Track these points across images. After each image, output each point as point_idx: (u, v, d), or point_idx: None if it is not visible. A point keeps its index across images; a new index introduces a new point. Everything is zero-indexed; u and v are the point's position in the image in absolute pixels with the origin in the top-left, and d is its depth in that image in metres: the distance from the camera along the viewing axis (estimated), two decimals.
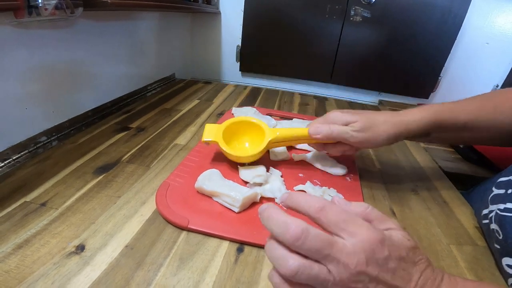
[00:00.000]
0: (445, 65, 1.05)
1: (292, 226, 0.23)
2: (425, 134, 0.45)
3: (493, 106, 0.45)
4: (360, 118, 0.44)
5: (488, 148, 0.65)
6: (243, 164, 0.49)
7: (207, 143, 0.49)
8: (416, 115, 0.44)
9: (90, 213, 0.38)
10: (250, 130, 0.52)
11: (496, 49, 1.02)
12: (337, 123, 0.45)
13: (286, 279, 0.24)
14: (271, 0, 1.04)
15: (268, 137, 0.48)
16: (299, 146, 0.58)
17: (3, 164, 0.46)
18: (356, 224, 0.24)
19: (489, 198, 0.41)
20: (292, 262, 0.22)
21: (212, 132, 0.49)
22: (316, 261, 0.23)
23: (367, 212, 0.26)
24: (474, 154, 0.66)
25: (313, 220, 0.24)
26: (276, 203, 0.41)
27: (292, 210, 0.26)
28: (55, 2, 0.44)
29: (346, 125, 0.44)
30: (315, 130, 0.45)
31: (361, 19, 1.02)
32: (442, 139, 0.49)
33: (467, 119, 0.44)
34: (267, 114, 0.73)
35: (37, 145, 0.53)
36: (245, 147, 0.53)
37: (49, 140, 0.55)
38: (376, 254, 0.23)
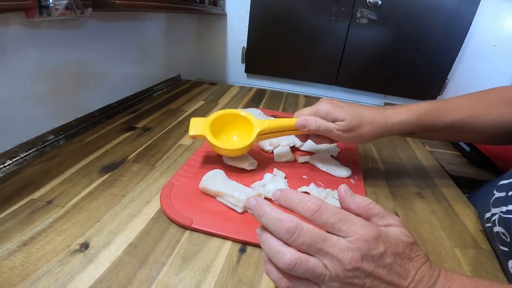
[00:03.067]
0: (452, 67, 1.04)
1: (286, 221, 0.24)
2: (408, 133, 0.47)
3: (483, 105, 0.45)
4: (347, 116, 0.44)
5: (494, 152, 0.64)
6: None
7: (194, 137, 0.47)
8: (401, 116, 0.45)
9: (95, 212, 0.38)
10: (238, 123, 0.51)
11: (504, 52, 1.01)
12: (325, 118, 0.45)
13: (284, 273, 0.24)
14: (277, 2, 1.05)
15: (256, 129, 0.47)
16: (303, 148, 0.58)
17: (11, 161, 0.47)
18: (351, 222, 0.24)
19: (491, 201, 0.41)
20: (290, 255, 0.23)
21: (198, 126, 0.47)
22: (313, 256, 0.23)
23: (369, 207, 0.26)
24: (479, 157, 0.65)
25: (309, 221, 0.25)
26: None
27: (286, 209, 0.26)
28: (65, 2, 0.45)
29: (333, 121, 0.45)
30: (302, 123, 0.46)
31: (367, 21, 1.02)
32: (426, 137, 0.51)
33: (453, 119, 0.45)
34: (271, 116, 0.73)
35: (45, 144, 0.53)
36: (233, 141, 0.51)
37: (56, 138, 0.56)
38: (371, 250, 0.23)
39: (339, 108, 0.45)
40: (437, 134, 0.48)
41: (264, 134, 0.48)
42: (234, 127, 0.51)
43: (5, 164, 0.46)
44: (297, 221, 0.24)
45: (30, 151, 0.50)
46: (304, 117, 0.46)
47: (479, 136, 0.48)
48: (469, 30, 0.98)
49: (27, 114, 0.50)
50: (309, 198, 0.25)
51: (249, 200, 0.27)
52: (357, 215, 0.26)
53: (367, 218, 0.26)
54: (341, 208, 0.27)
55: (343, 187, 0.27)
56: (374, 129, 0.44)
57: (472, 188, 0.56)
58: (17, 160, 0.48)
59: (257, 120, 0.49)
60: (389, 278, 0.23)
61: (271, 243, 0.24)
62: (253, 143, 0.47)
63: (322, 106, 0.46)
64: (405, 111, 0.45)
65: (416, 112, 0.44)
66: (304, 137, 0.50)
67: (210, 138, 0.46)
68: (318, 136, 0.48)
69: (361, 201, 0.27)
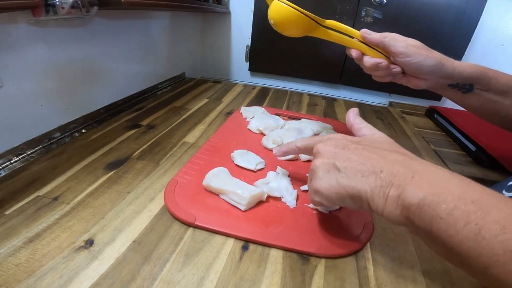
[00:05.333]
0: None
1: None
2: (468, 85, 0.46)
3: None
4: (415, 42, 0.46)
5: (500, 152, 0.63)
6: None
7: None
8: (463, 63, 0.45)
9: (100, 208, 0.38)
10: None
11: (511, 51, 0.99)
12: (389, 44, 0.46)
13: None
14: None
15: (322, 22, 0.47)
16: None
17: (17, 158, 0.48)
18: (331, 137, 0.35)
19: None
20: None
21: None
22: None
23: (360, 126, 0.38)
24: (485, 157, 0.64)
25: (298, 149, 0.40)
26: (282, 201, 0.42)
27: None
28: (71, 0, 0.46)
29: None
30: (368, 30, 0.47)
31: (372, 20, 1.01)
32: (480, 101, 0.48)
33: (508, 86, 0.45)
34: (275, 114, 0.73)
35: (51, 141, 0.54)
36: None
37: (62, 136, 0.56)
38: (338, 143, 0.33)
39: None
40: (493, 98, 0.46)
41: (328, 28, 0.48)
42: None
43: (11, 161, 0.47)
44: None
45: (36, 148, 0.51)
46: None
47: None
48: (476, 29, 0.96)
49: (33, 111, 0.51)
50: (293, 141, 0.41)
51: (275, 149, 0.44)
52: (350, 127, 0.39)
53: (357, 131, 0.37)
54: (347, 127, 0.40)
55: (353, 110, 0.40)
56: (441, 58, 0.45)
57: None
58: (23, 157, 0.48)
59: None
60: (359, 154, 0.30)
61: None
62: (313, 23, 0.46)
63: (386, 33, 0.47)
64: (464, 62, 0.45)
65: (477, 66, 0.45)
66: (358, 55, 0.50)
67: None
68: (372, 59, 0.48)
69: (357, 121, 0.38)
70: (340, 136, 0.34)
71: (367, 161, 0.29)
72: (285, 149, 0.43)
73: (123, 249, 0.33)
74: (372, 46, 0.48)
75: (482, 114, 0.50)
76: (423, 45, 0.45)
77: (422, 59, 0.44)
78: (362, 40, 0.48)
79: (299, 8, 0.45)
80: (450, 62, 0.45)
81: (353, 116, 0.39)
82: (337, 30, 0.48)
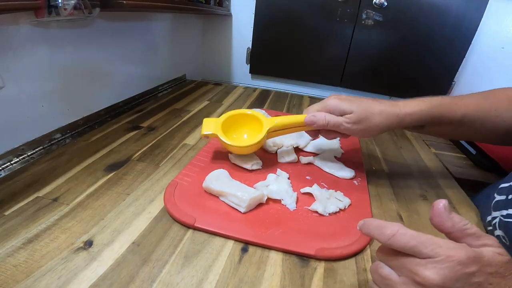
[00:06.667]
0: (459, 69, 1.03)
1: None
2: (419, 126, 0.46)
3: (490, 103, 0.44)
4: (356, 109, 0.43)
5: (500, 154, 0.63)
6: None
7: (207, 136, 0.49)
8: (413, 107, 0.44)
9: (99, 210, 0.38)
10: (248, 121, 0.52)
11: None
12: (334, 113, 0.45)
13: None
14: (282, 3, 1.05)
15: (266, 126, 0.48)
16: (306, 149, 0.58)
17: (18, 159, 0.48)
18: (436, 244, 0.23)
19: (492, 204, 0.41)
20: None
21: (210, 126, 0.49)
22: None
23: (465, 227, 0.25)
24: (485, 160, 0.64)
25: (387, 246, 0.25)
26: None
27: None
28: (74, 2, 0.46)
29: (342, 115, 0.44)
30: (311, 120, 0.45)
31: (372, 23, 1.01)
32: (436, 133, 0.49)
33: (464, 113, 0.44)
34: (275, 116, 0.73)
35: (52, 142, 0.54)
36: (244, 139, 0.52)
37: (63, 137, 0.56)
38: (458, 272, 0.22)
39: (347, 101, 0.45)
40: (448, 129, 0.47)
41: (273, 131, 0.49)
42: (244, 126, 0.52)
43: (12, 162, 0.47)
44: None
45: (37, 149, 0.51)
46: (313, 113, 0.46)
47: (488, 134, 0.47)
48: (477, 32, 0.97)
49: (34, 112, 0.51)
50: (387, 223, 0.25)
51: (359, 222, 0.29)
52: (448, 234, 0.25)
53: (458, 238, 0.25)
54: (433, 222, 0.26)
55: (442, 202, 0.25)
56: (384, 120, 0.43)
57: (477, 191, 0.56)
58: (24, 158, 0.49)
59: (266, 118, 0.49)
60: None
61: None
62: (263, 140, 0.48)
63: (330, 101, 0.46)
64: (417, 103, 0.44)
65: (428, 104, 0.44)
66: (314, 133, 0.50)
67: (222, 136, 0.48)
68: (328, 131, 0.47)
69: (458, 220, 0.25)
70: (460, 255, 0.23)
71: None
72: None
73: (122, 250, 0.33)
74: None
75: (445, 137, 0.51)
76: (361, 113, 0.43)
77: (366, 134, 0.45)
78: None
79: (253, 142, 0.47)
80: (397, 112, 0.43)
81: (447, 211, 0.26)
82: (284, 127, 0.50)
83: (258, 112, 0.51)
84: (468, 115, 0.44)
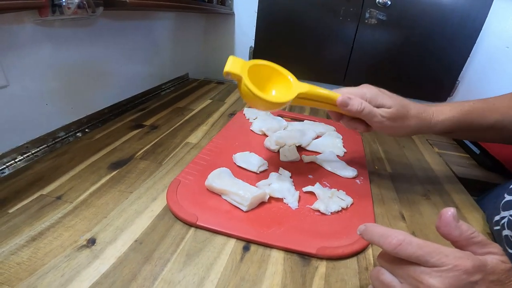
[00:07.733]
0: (464, 69, 1.02)
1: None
2: (448, 132, 0.44)
3: None
4: (395, 105, 0.41)
5: (504, 155, 0.63)
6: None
7: (229, 74, 0.39)
8: (445, 113, 0.42)
9: (102, 208, 0.39)
10: (276, 79, 0.45)
11: None
12: (370, 102, 0.41)
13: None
14: (285, 1, 1.05)
15: (296, 89, 0.42)
16: (309, 147, 0.58)
17: (22, 157, 0.48)
18: (442, 254, 0.23)
19: (501, 204, 0.40)
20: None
21: (237, 64, 0.40)
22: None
23: (472, 236, 0.25)
24: (489, 160, 0.64)
25: (393, 255, 0.25)
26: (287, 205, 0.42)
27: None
28: (77, 1, 0.46)
29: (378, 107, 0.41)
30: (345, 101, 0.40)
31: (376, 22, 1.01)
32: (462, 137, 0.48)
33: (496, 119, 0.42)
34: (278, 116, 0.73)
35: (56, 140, 0.54)
36: (271, 95, 0.45)
37: (67, 135, 0.57)
38: (463, 281, 0.22)
39: (386, 95, 0.42)
40: (475, 134, 0.45)
41: (301, 98, 0.43)
42: (270, 82, 0.45)
43: (16, 160, 0.47)
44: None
45: (41, 147, 0.51)
46: (349, 95, 0.41)
47: None
48: (481, 31, 0.96)
49: (38, 111, 0.51)
50: (392, 232, 0.25)
51: (360, 227, 0.29)
52: (455, 242, 0.25)
53: (464, 246, 0.25)
54: (440, 231, 0.26)
55: (451, 211, 0.25)
56: (418, 124, 0.41)
57: (480, 191, 0.56)
58: (28, 156, 0.49)
59: (297, 81, 0.44)
60: None
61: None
62: (288, 102, 0.42)
63: (368, 89, 0.42)
64: (448, 109, 0.43)
65: (460, 110, 0.42)
66: (337, 116, 0.45)
67: (247, 80, 0.39)
68: (352, 119, 0.44)
69: (465, 228, 0.25)
70: (466, 264, 0.23)
71: None
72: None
73: (124, 248, 0.33)
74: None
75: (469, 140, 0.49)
76: (400, 111, 0.41)
77: (395, 133, 0.43)
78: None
79: (278, 100, 0.41)
80: (430, 118, 0.42)
81: (455, 220, 0.25)
82: (313, 98, 0.44)
83: (289, 72, 0.45)
84: (499, 121, 0.42)
